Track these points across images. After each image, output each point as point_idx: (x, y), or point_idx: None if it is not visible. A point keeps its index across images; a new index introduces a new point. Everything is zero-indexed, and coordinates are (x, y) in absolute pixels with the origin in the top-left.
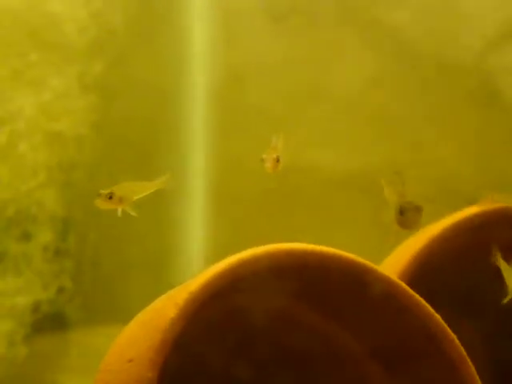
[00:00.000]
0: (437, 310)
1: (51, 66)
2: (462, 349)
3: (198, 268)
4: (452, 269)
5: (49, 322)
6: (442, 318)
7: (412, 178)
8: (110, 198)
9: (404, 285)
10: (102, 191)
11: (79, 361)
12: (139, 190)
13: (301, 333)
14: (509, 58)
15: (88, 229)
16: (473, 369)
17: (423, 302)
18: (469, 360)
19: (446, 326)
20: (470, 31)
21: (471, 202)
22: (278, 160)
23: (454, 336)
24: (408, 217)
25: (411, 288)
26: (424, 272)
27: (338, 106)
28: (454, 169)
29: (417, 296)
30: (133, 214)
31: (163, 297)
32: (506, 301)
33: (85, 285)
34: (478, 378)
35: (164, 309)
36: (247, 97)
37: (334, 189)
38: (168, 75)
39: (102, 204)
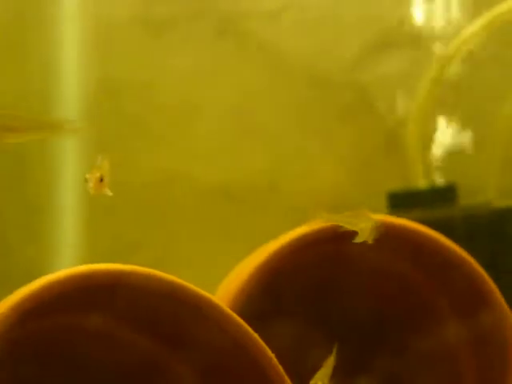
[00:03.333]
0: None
1: None
2: (278, 366)
3: None
4: (290, 283)
5: None
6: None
7: (288, 190)
8: (102, 180)
9: (222, 306)
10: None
11: None
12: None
13: (123, 352)
14: (380, 70)
15: None
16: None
17: (238, 320)
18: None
19: (262, 343)
20: (342, 44)
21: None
22: (101, 179)
23: (271, 355)
24: None
25: (250, 304)
26: (264, 287)
27: (215, 119)
28: (330, 181)
29: (232, 314)
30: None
31: None
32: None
33: None
34: None
35: None
36: (123, 111)
37: (210, 200)
38: (37, 86)
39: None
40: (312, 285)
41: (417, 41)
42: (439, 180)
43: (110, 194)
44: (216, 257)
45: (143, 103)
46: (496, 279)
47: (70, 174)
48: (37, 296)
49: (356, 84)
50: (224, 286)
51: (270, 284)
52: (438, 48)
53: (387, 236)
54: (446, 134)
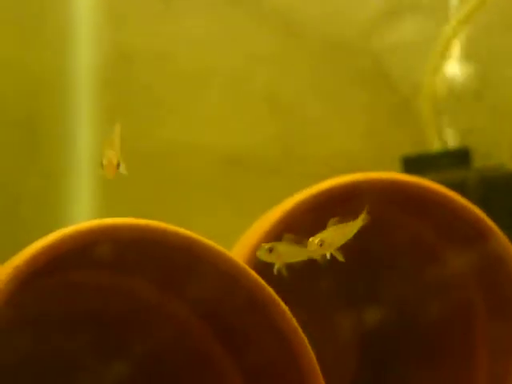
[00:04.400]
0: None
1: None
2: (293, 321)
3: None
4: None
5: None
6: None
7: (301, 156)
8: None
9: (235, 258)
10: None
11: None
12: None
13: (136, 308)
14: (395, 36)
15: None
16: (305, 340)
17: (253, 273)
18: (301, 332)
19: (277, 298)
20: (356, 10)
21: None
22: (118, 165)
23: (285, 308)
24: None
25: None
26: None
27: (226, 85)
28: (343, 146)
29: (247, 268)
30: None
31: None
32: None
33: None
34: (310, 348)
35: None
36: (136, 78)
37: (221, 167)
38: (50, 55)
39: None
40: None
41: (433, 6)
42: (453, 144)
43: (125, 172)
44: (229, 225)
45: (155, 72)
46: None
47: (83, 143)
48: (50, 250)
49: (371, 50)
50: (238, 246)
51: None
52: (452, 13)
53: (398, 192)
54: (460, 99)
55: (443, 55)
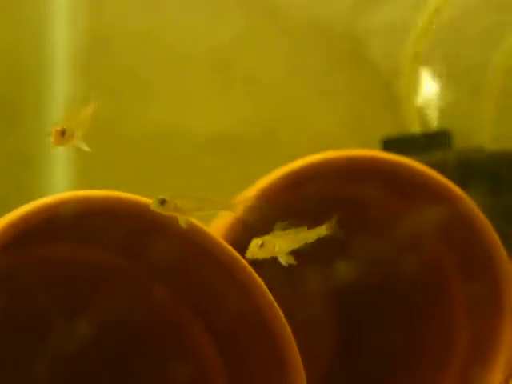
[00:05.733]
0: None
1: None
2: (268, 294)
3: None
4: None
5: None
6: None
7: (284, 139)
8: (63, 134)
9: (214, 235)
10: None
11: None
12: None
13: (121, 286)
14: (374, 21)
15: None
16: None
17: (228, 247)
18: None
19: (252, 272)
20: None
21: None
22: (63, 133)
23: (261, 282)
24: None
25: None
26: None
27: (207, 68)
28: (325, 128)
29: (221, 241)
30: (86, 148)
31: None
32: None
33: None
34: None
35: None
36: (114, 60)
37: (205, 150)
38: (28, 35)
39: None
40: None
41: None
42: (433, 127)
43: (86, 148)
44: None
45: (136, 53)
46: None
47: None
48: (20, 222)
49: (352, 33)
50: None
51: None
52: None
53: (376, 169)
54: (439, 82)
55: (422, 39)
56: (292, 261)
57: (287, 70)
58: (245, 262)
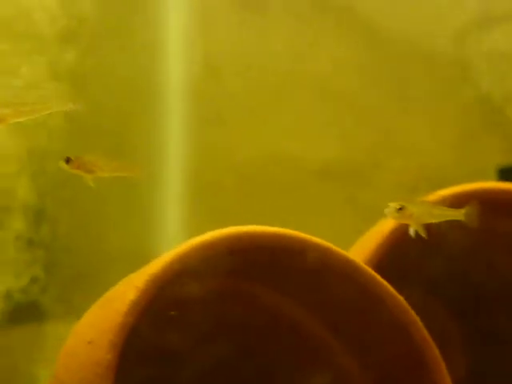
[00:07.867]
0: (406, 290)
1: (22, 56)
2: (425, 331)
3: None
4: (418, 251)
5: (23, 312)
6: (411, 296)
7: (391, 167)
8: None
9: (365, 266)
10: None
11: (55, 353)
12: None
13: (264, 314)
14: (484, 46)
15: (61, 218)
16: (436, 351)
17: (385, 283)
18: (432, 342)
19: (408, 307)
20: (446, 19)
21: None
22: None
23: (417, 318)
24: None
25: (378, 270)
26: (392, 256)
27: (313, 95)
28: (434, 157)
29: (378, 277)
30: (91, 184)
31: (124, 280)
32: None
33: (58, 275)
34: (441, 360)
35: (124, 292)
36: (223, 86)
37: (310, 178)
38: (142, 64)
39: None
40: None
41: None
42: None
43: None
44: (318, 234)
45: (243, 82)
46: None
47: (174, 150)
48: (188, 257)
49: (460, 58)
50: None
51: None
52: None
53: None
54: None
55: None
56: (424, 234)
57: (392, 97)
58: (401, 299)
